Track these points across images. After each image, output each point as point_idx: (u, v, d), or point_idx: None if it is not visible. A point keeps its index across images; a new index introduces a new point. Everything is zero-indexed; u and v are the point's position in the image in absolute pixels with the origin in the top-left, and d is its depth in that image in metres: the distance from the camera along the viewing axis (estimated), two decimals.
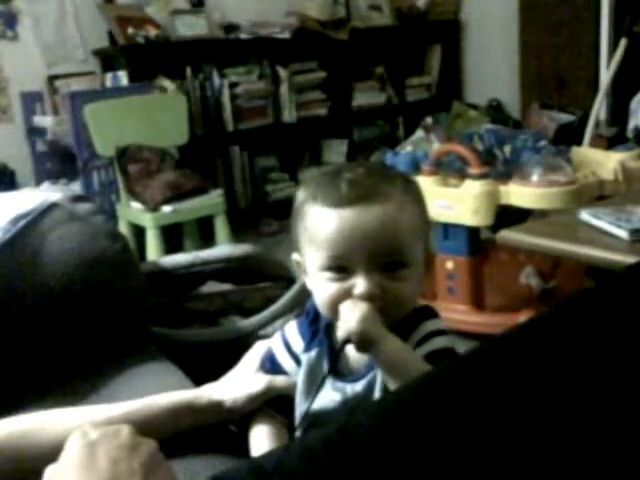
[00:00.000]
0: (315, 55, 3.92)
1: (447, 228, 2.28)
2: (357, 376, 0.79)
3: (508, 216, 2.08)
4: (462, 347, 2.26)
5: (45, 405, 0.89)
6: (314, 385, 0.80)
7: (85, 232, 1.19)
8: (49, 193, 1.26)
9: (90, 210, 1.25)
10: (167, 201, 2.87)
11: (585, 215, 1.34)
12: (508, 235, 1.35)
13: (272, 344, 0.88)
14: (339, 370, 0.80)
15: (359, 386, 0.79)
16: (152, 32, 3.42)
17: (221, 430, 0.89)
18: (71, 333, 1.14)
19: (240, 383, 0.86)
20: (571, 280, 2.31)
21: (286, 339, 0.86)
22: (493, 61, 4.22)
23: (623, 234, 1.24)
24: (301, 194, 0.80)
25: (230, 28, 3.71)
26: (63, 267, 1.14)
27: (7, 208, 1.19)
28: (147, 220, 2.88)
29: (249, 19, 3.76)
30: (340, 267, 0.76)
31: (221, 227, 3.02)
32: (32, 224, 1.16)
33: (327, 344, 0.82)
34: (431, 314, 0.82)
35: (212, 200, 3.02)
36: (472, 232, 2.27)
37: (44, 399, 0.91)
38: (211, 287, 1.43)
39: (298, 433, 0.80)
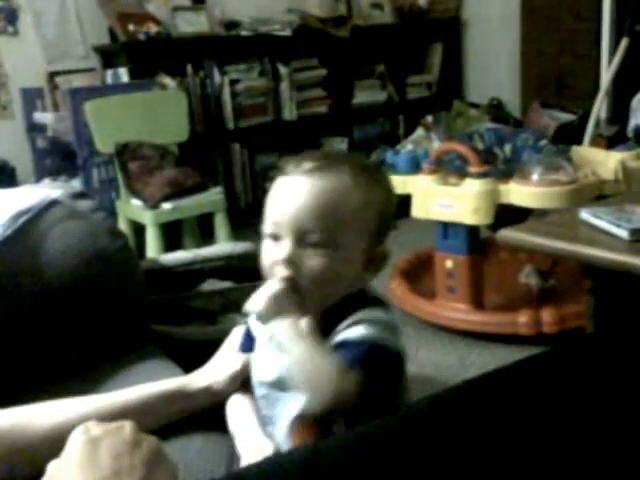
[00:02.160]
0: (316, 53, 3.91)
1: (447, 227, 2.28)
2: None
3: (508, 215, 2.08)
4: (461, 345, 2.28)
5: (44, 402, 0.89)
6: (266, 351, 0.86)
7: (85, 229, 1.19)
8: (49, 190, 1.26)
9: (90, 207, 1.25)
10: (167, 198, 2.87)
11: (585, 215, 1.34)
12: (508, 234, 1.35)
13: (249, 322, 0.93)
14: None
15: None
16: (153, 29, 3.42)
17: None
18: (71, 330, 1.14)
19: (221, 366, 0.92)
20: (570, 280, 2.32)
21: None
22: (494, 60, 4.22)
23: (623, 234, 1.24)
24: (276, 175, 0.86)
25: (231, 25, 3.71)
26: (63, 264, 1.14)
27: (7, 205, 1.19)
28: (147, 217, 2.88)
29: (250, 16, 3.75)
30: (275, 235, 0.81)
31: (221, 225, 3.02)
32: (32, 221, 1.16)
33: None
34: (376, 303, 0.82)
35: (212, 197, 3.02)
36: (472, 231, 2.27)
37: (43, 397, 0.91)
38: (211, 285, 1.43)
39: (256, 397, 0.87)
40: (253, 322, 0.92)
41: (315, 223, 0.78)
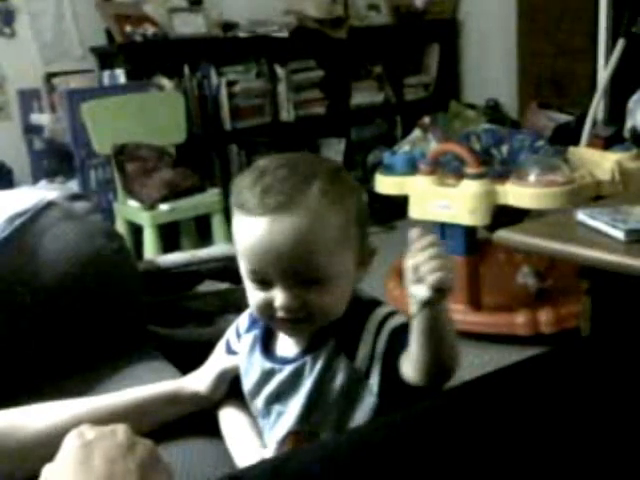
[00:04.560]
0: (313, 54, 3.91)
1: (444, 227, 2.28)
2: (286, 360, 0.81)
3: (505, 216, 2.09)
4: (459, 347, 2.28)
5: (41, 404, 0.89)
6: (250, 365, 0.85)
7: (82, 231, 1.19)
8: (46, 191, 1.26)
9: (87, 209, 1.25)
10: (164, 199, 2.87)
11: (582, 215, 1.34)
12: (505, 235, 1.35)
13: (229, 329, 0.92)
14: (271, 351, 0.83)
15: (286, 371, 0.80)
16: (150, 30, 3.41)
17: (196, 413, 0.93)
18: (68, 332, 1.14)
19: (208, 371, 0.92)
20: (567, 280, 2.32)
21: (237, 323, 0.91)
22: (491, 61, 4.22)
23: (619, 234, 1.24)
24: (232, 196, 0.78)
25: (228, 26, 3.71)
26: (60, 266, 1.14)
27: (4, 206, 1.19)
28: (144, 218, 2.88)
29: (247, 17, 3.75)
30: (260, 280, 0.76)
31: (218, 226, 3.02)
32: (29, 223, 1.16)
33: (262, 326, 0.85)
34: (380, 303, 0.81)
35: (209, 199, 3.02)
36: (469, 231, 2.27)
37: (41, 398, 0.91)
38: (208, 286, 1.43)
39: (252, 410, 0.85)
40: (232, 332, 0.91)
41: (303, 266, 0.73)
